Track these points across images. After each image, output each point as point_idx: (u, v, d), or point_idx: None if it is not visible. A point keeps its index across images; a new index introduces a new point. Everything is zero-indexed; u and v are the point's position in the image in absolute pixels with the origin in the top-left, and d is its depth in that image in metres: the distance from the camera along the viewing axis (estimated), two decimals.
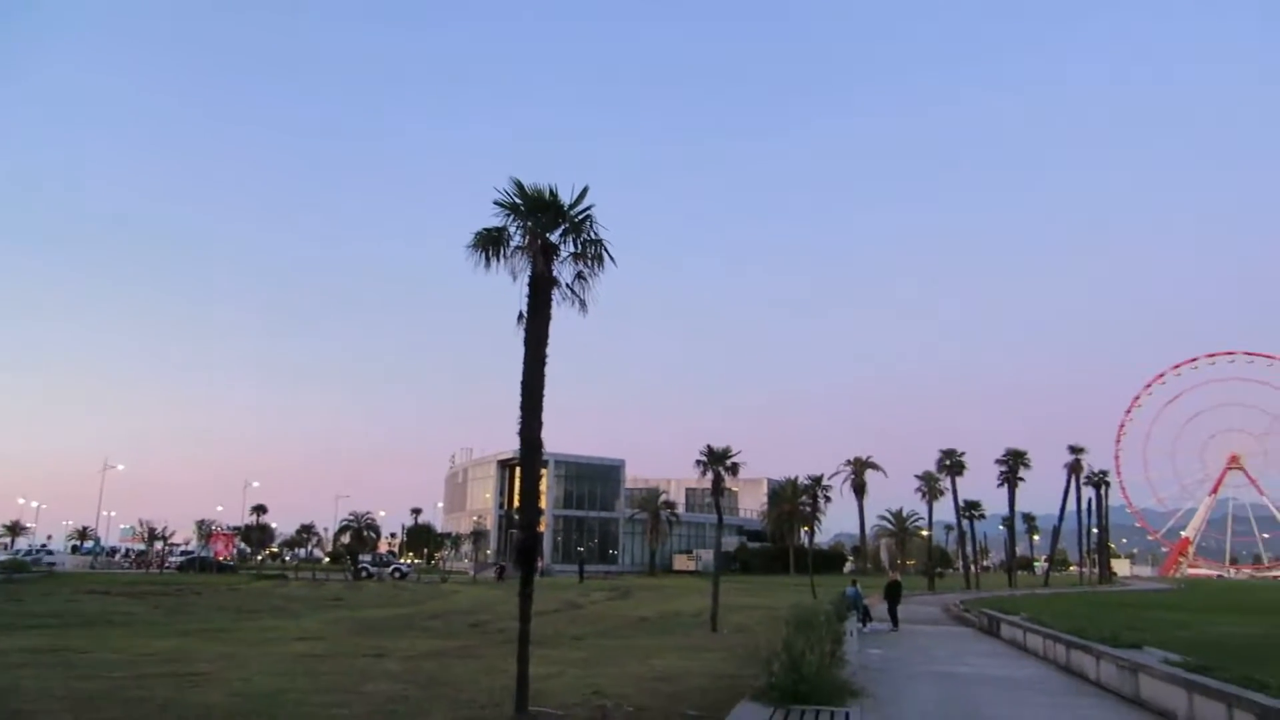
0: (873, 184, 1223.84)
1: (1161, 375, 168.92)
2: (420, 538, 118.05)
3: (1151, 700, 13.15)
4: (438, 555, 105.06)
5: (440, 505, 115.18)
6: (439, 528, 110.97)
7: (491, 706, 12.21)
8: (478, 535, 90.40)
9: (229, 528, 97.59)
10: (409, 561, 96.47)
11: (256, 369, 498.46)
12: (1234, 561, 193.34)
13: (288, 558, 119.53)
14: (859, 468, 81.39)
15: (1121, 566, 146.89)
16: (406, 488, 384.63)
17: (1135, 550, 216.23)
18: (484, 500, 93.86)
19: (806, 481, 66.45)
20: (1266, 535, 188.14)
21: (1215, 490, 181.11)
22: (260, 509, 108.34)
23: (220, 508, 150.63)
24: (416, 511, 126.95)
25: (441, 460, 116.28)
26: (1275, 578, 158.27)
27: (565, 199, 12.76)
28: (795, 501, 70.28)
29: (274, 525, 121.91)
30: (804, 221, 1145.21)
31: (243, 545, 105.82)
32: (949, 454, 72.04)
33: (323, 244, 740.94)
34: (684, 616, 31.94)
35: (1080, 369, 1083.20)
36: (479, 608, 35.55)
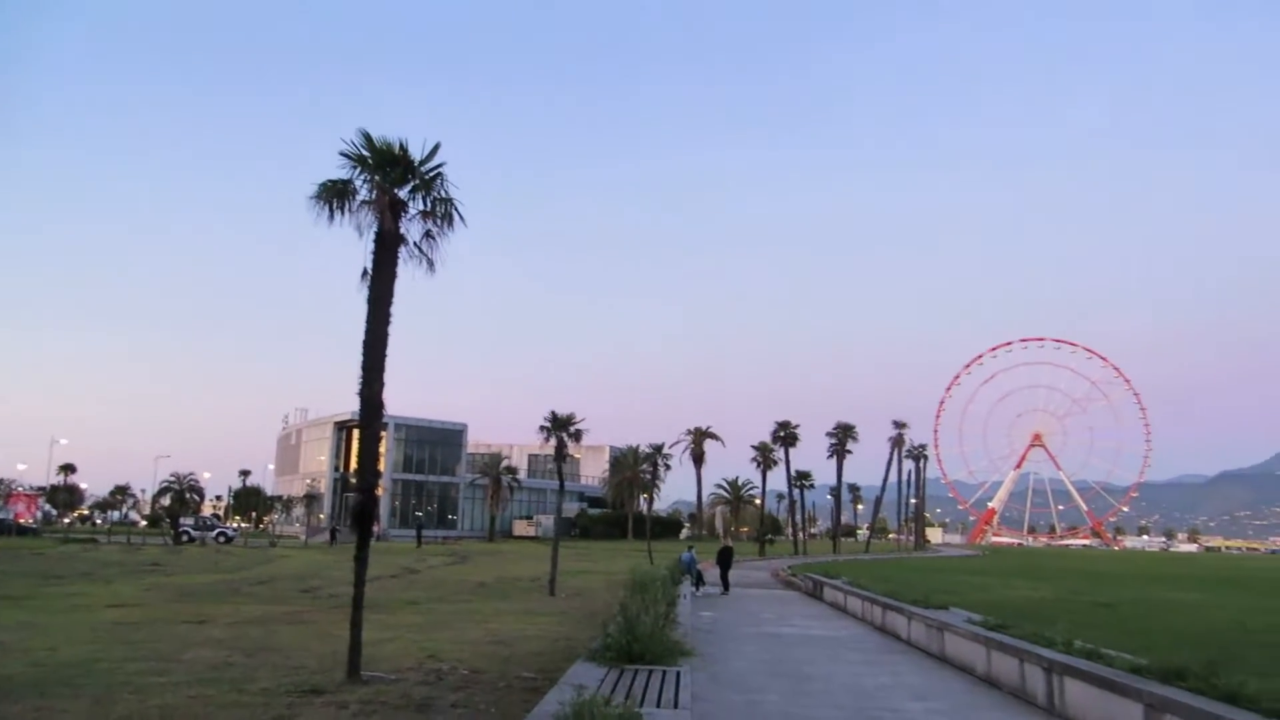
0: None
1: (980, 356, 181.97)
2: (249, 501, 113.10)
3: (955, 657, 14.24)
4: (267, 519, 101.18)
5: (271, 467, 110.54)
6: (269, 491, 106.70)
7: (322, 672, 11.94)
8: (311, 498, 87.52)
9: (32, 488, 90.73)
10: (235, 525, 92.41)
11: (69, 314, 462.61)
12: (1032, 531, 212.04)
13: (100, 521, 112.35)
14: (698, 437, 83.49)
15: (935, 534, 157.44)
16: (235, 449, 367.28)
17: (947, 519, 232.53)
18: (318, 462, 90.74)
19: (648, 450, 67.82)
20: (1061, 508, 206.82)
21: (1019, 465, 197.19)
22: (69, 468, 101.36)
23: (22, 466, 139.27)
24: (245, 473, 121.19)
25: (274, 421, 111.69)
26: (1067, 546, 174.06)
27: (416, 155, 12.46)
28: (636, 469, 71.72)
29: (84, 486, 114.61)
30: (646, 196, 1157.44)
31: (48, 507, 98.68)
32: (784, 425, 74.75)
33: (153, 180, 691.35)
34: (522, 581, 32.03)
35: (909, 349, 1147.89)
36: (310, 573, 34.50)
